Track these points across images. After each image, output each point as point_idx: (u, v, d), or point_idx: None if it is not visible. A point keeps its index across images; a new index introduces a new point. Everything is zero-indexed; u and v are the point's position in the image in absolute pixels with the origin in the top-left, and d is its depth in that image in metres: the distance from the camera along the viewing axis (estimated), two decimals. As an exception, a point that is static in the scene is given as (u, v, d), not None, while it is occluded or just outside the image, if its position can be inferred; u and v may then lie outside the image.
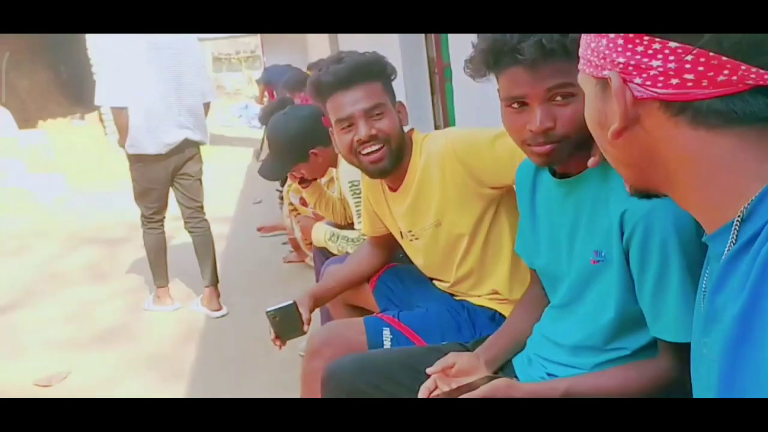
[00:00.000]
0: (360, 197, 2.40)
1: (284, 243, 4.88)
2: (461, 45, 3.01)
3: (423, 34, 4.27)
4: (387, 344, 1.77)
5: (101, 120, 10.05)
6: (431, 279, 2.01)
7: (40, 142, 8.97)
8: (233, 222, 6.00)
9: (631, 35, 0.68)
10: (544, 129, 1.18)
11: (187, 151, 3.59)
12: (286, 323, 1.88)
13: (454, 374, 1.45)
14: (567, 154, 1.22)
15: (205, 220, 3.83)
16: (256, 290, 4.13)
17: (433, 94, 4.30)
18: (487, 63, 1.20)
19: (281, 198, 5.03)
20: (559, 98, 1.17)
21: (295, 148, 2.59)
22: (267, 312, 1.87)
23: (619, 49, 0.69)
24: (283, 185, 4.92)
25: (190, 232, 3.81)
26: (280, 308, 1.88)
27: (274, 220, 5.47)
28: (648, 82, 0.67)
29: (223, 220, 5.96)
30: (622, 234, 1.18)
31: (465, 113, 3.14)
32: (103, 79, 3.42)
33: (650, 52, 0.67)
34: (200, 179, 3.76)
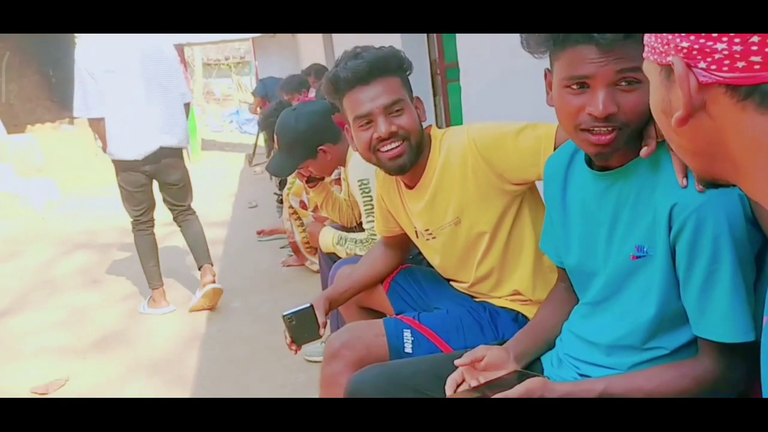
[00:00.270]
0: (369, 195, 2.35)
1: (282, 247, 4.83)
2: (471, 45, 2.98)
3: (425, 36, 4.24)
4: (408, 346, 1.72)
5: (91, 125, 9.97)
6: (448, 280, 1.96)
7: (29, 146, 8.89)
8: (230, 227, 5.94)
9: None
10: (607, 114, 1.11)
11: (164, 160, 3.67)
12: (303, 327, 1.82)
13: (482, 368, 1.39)
14: (622, 144, 1.16)
15: (194, 214, 3.97)
16: (256, 294, 4.07)
17: (435, 95, 4.27)
18: (555, 38, 1.13)
19: (280, 201, 4.98)
20: (624, 83, 1.11)
21: (305, 144, 2.55)
22: (284, 316, 1.82)
23: (683, 33, 0.66)
24: (282, 188, 4.88)
25: (179, 224, 3.98)
26: (297, 311, 1.82)
27: (270, 224, 5.43)
28: (713, 66, 0.64)
29: (220, 224, 5.90)
30: (670, 229, 1.13)
31: (473, 112, 3.11)
32: (79, 90, 3.51)
33: (714, 35, 0.64)
34: (184, 185, 3.86)
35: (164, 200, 3.87)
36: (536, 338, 1.51)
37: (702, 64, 0.65)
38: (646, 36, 0.74)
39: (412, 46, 4.19)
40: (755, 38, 0.61)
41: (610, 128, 1.13)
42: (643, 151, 1.14)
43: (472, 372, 1.39)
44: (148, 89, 3.53)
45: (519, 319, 1.77)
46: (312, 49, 10.15)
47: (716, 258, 1.08)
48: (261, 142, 10.22)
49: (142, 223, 3.81)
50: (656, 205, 1.15)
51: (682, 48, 0.66)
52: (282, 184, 5.00)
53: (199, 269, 3.90)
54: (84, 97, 3.49)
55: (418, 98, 1.79)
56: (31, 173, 8.44)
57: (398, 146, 1.69)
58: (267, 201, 6.57)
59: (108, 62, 3.47)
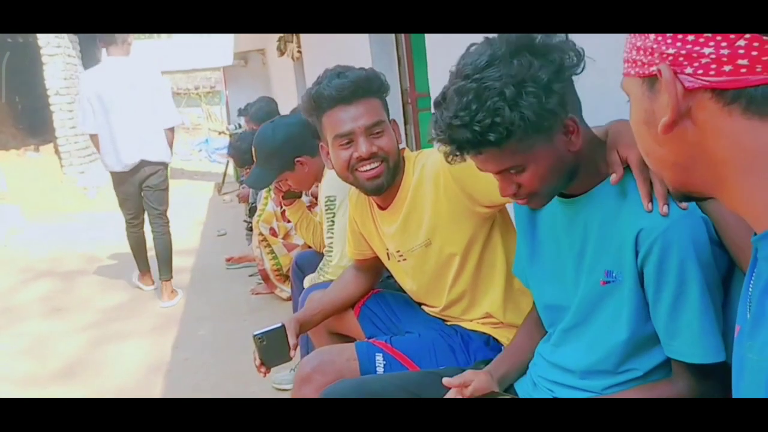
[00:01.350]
0: (332, 212, 2.34)
1: (251, 275, 4.78)
2: (442, 74, 3.01)
3: (396, 65, 4.28)
4: (380, 370, 1.70)
5: (57, 152, 9.82)
6: (420, 304, 1.95)
7: (-8, 173, 8.72)
8: (198, 254, 5.86)
9: None
10: (511, 194, 1.20)
11: (147, 168, 4.36)
12: (274, 348, 1.79)
13: (470, 393, 1.41)
14: (548, 198, 1.23)
15: (167, 223, 4.59)
16: (224, 322, 4.00)
17: (406, 124, 4.30)
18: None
19: (250, 229, 4.94)
20: (512, 170, 1.16)
21: (282, 155, 2.54)
22: (254, 336, 1.79)
23: (669, 40, 0.68)
24: (251, 215, 4.84)
25: (152, 231, 4.57)
26: (268, 331, 1.80)
27: (240, 252, 5.37)
28: (700, 71, 0.66)
29: (188, 252, 5.82)
30: (637, 253, 1.15)
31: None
32: (81, 112, 4.36)
33: (701, 40, 0.65)
34: (163, 190, 4.51)
35: (145, 202, 4.50)
36: (515, 362, 1.52)
37: (689, 70, 0.66)
38: (626, 52, 0.75)
39: (384, 75, 4.24)
40: (741, 42, 0.63)
41: (525, 197, 1.21)
42: (613, 177, 1.17)
43: (459, 394, 1.42)
44: (135, 112, 4.21)
45: (491, 343, 1.77)
46: (283, 78, 10.20)
47: (683, 281, 1.10)
48: (230, 170, 10.20)
49: (134, 225, 4.59)
50: (622, 230, 1.16)
51: (668, 55, 0.68)
52: (252, 212, 4.97)
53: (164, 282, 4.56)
54: (84, 117, 4.30)
55: (394, 121, 1.80)
56: (-5, 200, 8.28)
57: (377, 167, 1.70)
58: (236, 229, 6.51)
59: (103, 90, 4.18)
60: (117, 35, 4.20)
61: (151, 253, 4.65)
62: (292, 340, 1.81)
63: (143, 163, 4.32)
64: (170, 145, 4.45)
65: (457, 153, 1.15)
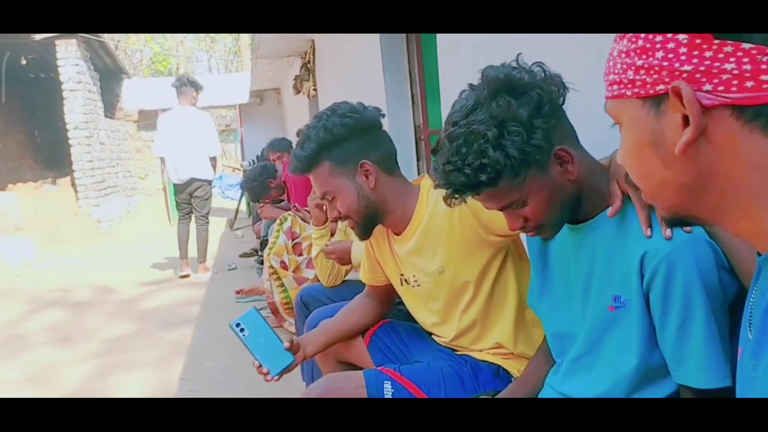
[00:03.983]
0: None
1: (261, 308, 4.72)
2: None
3: (410, 102, 4.32)
4: (388, 398, 1.68)
5: (73, 185, 9.93)
6: (430, 334, 1.94)
7: (9, 204, 8.81)
8: (208, 288, 5.86)
9: (697, 41, 0.63)
10: (519, 228, 1.24)
11: (195, 183, 6.31)
12: (259, 336, 1.70)
13: None
14: (557, 228, 1.25)
15: (207, 223, 6.46)
16: (232, 355, 3.96)
17: (418, 160, 4.32)
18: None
19: (261, 262, 4.94)
20: (514, 206, 1.19)
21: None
22: (230, 325, 1.72)
23: (683, 57, 0.64)
24: (263, 249, 4.84)
25: (196, 227, 6.42)
26: (242, 318, 1.73)
27: (249, 286, 5.36)
28: (720, 88, 0.63)
29: (199, 285, 5.83)
30: (642, 277, 1.14)
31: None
32: (156, 139, 6.55)
33: (721, 56, 0.62)
34: (206, 199, 6.42)
35: (192, 207, 6.38)
36: (525, 393, 1.51)
37: (707, 87, 0.63)
38: (616, 74, 0.72)
39: (397, 112, 4.27)
40: (765, 57, 0.60)
41: (533, 230, 1.25)
42: (609, 211, 1.17)
43: None
44: (188, 142, 6.13)
45: (500, 374, 1.75)
46: (298, 116, 10.30)
47: (689, 304, 1.09)
48: (243, 206, 10.25)
49: (183, 219, 6.48)
50: (628, 253, 1.16)
51: (683, 72, 0.64)
52: (263, 245, 4.97)
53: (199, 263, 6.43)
54: (157, 145, 6.45)
55: (363, 163, 1.73)
56: (9, 231, 8.35)
57: (348, 221, 1.79)
58: (246, 264, 6.53)
59: (173, 127, 6.21)
60: (187, 90, 6.20)
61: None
62: (286, 345, 1.75)
63: (192, 180, 6.23)
64: (213, 168, 6.37)
65: (456, 196, 1.20)
